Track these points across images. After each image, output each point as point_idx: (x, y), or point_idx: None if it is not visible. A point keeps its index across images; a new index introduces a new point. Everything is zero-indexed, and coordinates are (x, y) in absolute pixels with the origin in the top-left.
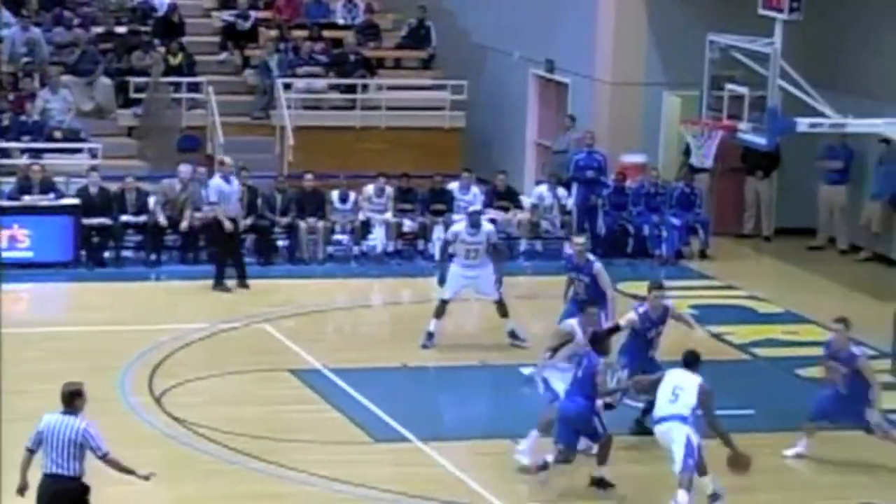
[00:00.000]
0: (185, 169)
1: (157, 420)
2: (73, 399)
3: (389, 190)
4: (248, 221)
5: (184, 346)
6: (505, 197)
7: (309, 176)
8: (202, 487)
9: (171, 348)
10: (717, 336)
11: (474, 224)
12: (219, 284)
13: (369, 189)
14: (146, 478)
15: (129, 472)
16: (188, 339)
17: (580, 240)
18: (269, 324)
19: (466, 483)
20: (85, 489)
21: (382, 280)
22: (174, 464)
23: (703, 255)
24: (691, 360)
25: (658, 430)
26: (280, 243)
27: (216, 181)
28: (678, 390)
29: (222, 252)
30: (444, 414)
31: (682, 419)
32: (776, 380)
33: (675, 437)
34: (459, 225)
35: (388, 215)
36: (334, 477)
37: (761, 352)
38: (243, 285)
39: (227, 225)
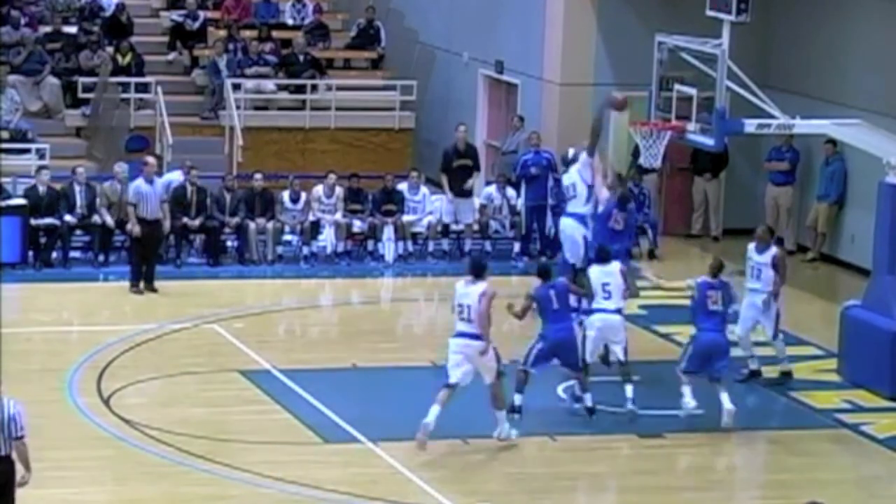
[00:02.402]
0: (119, 168)
1: (105, 421)
2: None
3: (339, 190)
4: (197, 222)
5: (132, 348)
6: (465, 155)
7: (258, 176)
8: (151, 489)
9: (119, 349)
10: (666, 336)
11: None
12: (133, 286)
13: (319, 190)
14: (23, 483)
15: (27, 466)
16: (136, 340)
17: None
18: (218, 324)
19: (417, 483)
20: (13, 470)
21: (332, 280)
22: (123, 465)
23: (651, 255)
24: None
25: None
26: (229, 244)
27: (138, 182)
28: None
29: (138, 254)
30: (394, 414)
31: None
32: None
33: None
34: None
35: (338, 216)
36: (284, 478)
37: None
38: (150, 288)
39: (136, 229)
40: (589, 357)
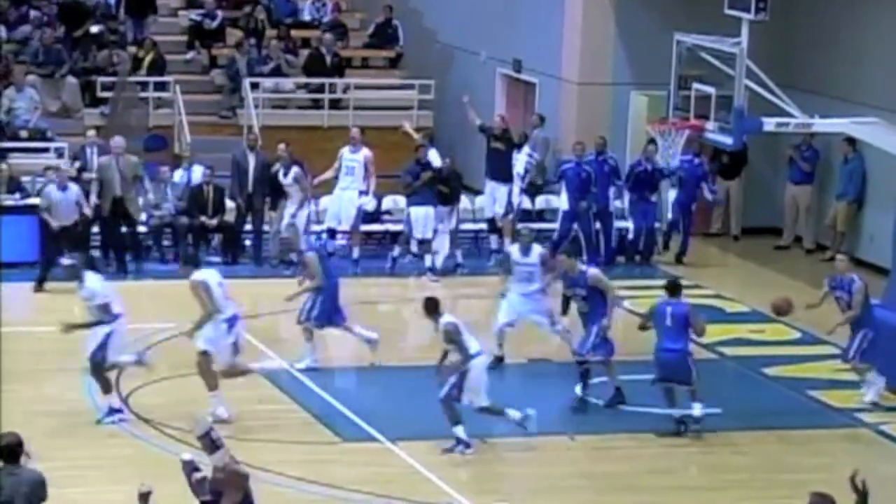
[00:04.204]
0: (115, 144)
1: (124, 419)
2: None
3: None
4: (215, 221)
5: (150, 346)
6: (500, 139)
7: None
8: (171, 488)
9: (138, 348)
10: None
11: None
12: (38, 286)
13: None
14: None
15: None
16: (155, 338)
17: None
18: None
19: (435, 482)
20: None
21: (351, 279)
22: (142, 464)
23: (677, 256)
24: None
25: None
26: (247, 243)
27: (49, 187)
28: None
29: (47, 253)
30: (412, 413)
31: None
32: (743, 379)
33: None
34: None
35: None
36: (303, 477)
37: (728, 351)
38: (39, 288)
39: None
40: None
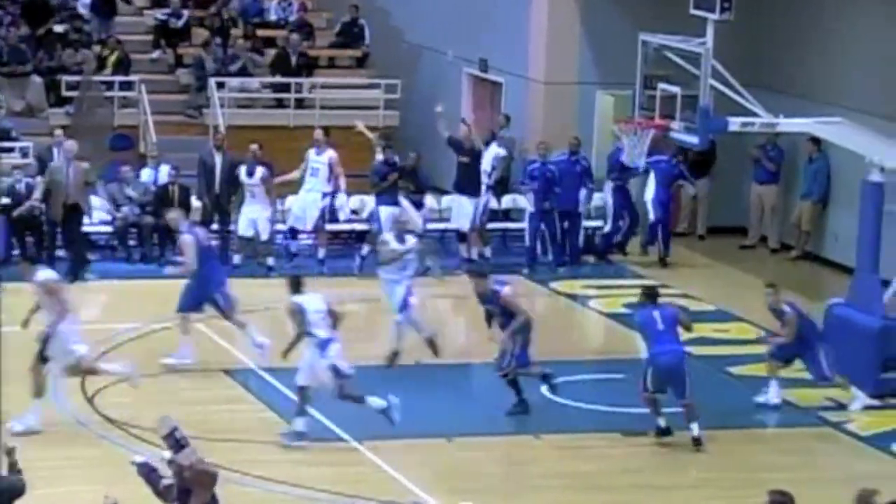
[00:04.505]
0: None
1: (90, 420)
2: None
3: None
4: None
5: (116, 346)
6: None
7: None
8: (136, 488)
9: (103, 348)
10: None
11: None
12: None
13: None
14: None
15: None
16: (120, 338)
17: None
18: (202, 323)
19: (402, 482)
20: None
21: (318, 279)
22: (107, 465)
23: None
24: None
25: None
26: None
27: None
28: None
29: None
30: (378, 413)
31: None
32: (707, 377)
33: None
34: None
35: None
36: (270, 477)
37: (693, 350)
38: None
39: None
40: None
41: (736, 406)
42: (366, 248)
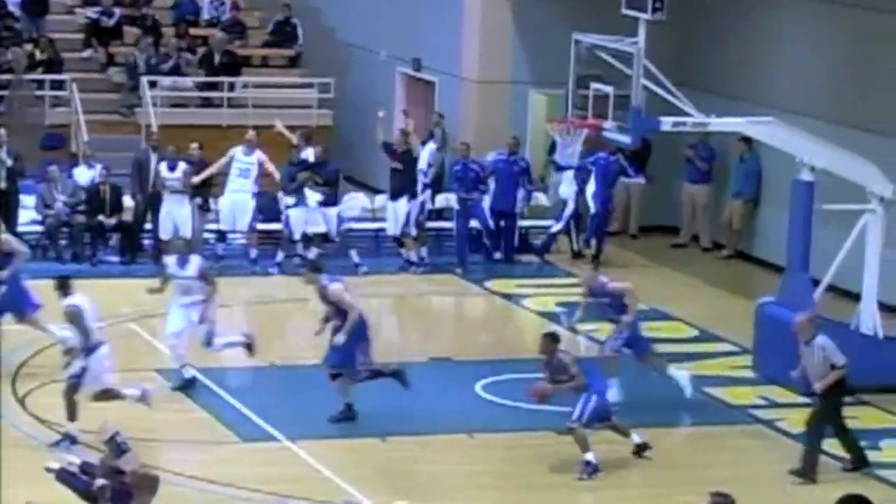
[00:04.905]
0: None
1: (20, 422)
2: None
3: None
4: (113, 220)
5: (47, 347)
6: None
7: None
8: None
9: (34, 348)
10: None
11: None
12: None
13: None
14: None
15: None
16: (52, 338)
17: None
18: (134, 323)
19: (335, 482)
20: None
21: (248, 279)
22: (38, 466)
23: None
24: None
25: None
26: (145, 242)
27: None
28: None
29: None
30: (311, 413)
31: None
32: (641, 376)
33: None
34: None
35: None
36: (203, 477)
37: (625, 349)
38: None
39: None
40: None
41: (670, 404)
42: (280, 255)
